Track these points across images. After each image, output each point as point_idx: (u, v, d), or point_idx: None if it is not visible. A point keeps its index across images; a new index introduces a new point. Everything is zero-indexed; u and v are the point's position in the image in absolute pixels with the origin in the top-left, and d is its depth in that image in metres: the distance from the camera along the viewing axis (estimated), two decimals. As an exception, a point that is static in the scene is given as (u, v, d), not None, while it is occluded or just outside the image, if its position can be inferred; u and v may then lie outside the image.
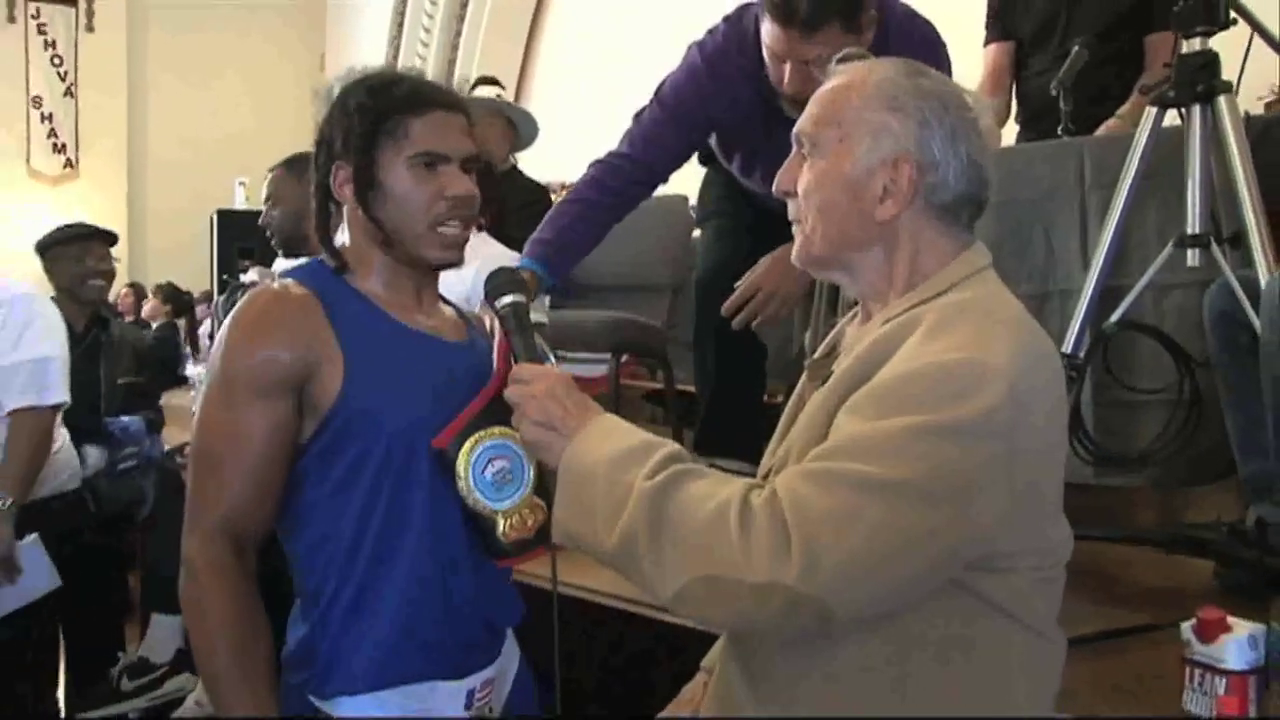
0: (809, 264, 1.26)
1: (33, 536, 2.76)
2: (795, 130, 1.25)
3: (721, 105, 2.32)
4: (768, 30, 2.12)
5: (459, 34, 7.27)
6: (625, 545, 1.09)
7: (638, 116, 2.41)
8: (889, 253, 1.20)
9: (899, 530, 1.01)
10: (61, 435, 2.98)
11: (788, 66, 2.11)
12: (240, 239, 5.75)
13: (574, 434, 1.19)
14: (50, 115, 8.03)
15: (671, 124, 2.34)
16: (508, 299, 1.40)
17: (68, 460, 3.02)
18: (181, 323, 6.46)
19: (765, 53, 2.16)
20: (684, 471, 1.11)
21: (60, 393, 2.85)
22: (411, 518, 1.40)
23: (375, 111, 1.42)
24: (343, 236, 1.50)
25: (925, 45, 2.23)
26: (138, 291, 7.47)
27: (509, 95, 5.40)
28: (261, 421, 1.36)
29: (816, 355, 1.32)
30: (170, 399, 4.37)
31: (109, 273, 3.45)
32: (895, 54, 2.19)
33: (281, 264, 2.67)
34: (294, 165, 2.66)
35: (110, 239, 3.48)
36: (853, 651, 1.10)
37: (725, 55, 2.30)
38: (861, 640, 1.09)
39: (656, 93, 2.39)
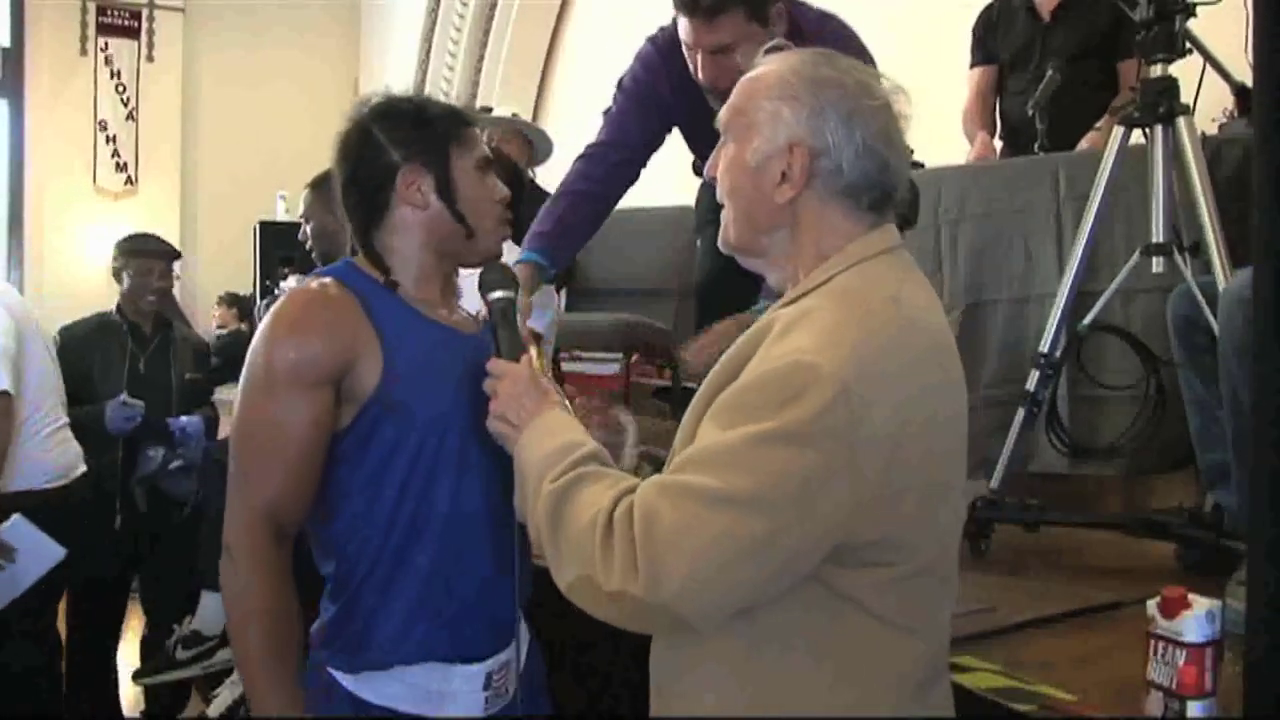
0: (731, 249, 1.24)
1: (15, 517, 2.75)
2: (717, 119, 1.24)
3: (672, 88, 2.26)
4: (679, 23, 2.07)
5: (481, 58, 7.29)
6: (538, 538, 1.14)
7: (606, 111, 2.38)
8: (794, 235, 1.17)
9: (738, 540, 0.99)
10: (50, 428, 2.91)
11: (699, 57, 2.05)
12: (281, 248, 5.74)
13: (522, 431, 1.24)
14: (114, 137, 8.08)
15: (635, 109, 2.30)
16: (498, 294, 1.40)
17: (56, 456, 2.94)
18: (245, 326, 6.50)
19: (684, 47, 2.10)
20: (581, 476, 1.12)
21: (3, 381, 2.73)
22: (438, 503, 1.39)
23: (447, 121, 1.45)
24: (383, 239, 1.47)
25: (838, 39, 2.13)
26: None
27: (526, 117, 5.42)
28: (303, 414, 1.34)
29: None
30: (222, 393, 4.39)
31: (166, 289, 3.46)
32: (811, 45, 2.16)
33: None
34: (320, 186, 2.65)
35: (175, 256, 3.52)
36: (716, 641, 1.08)
37: (674, 44, 2.22)
38: (723, 631, 1.07)
39: (619, 85, 2.36)
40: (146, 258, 3.37)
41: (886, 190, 1.16)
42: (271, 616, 1.34)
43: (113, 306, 3.41)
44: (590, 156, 2.33)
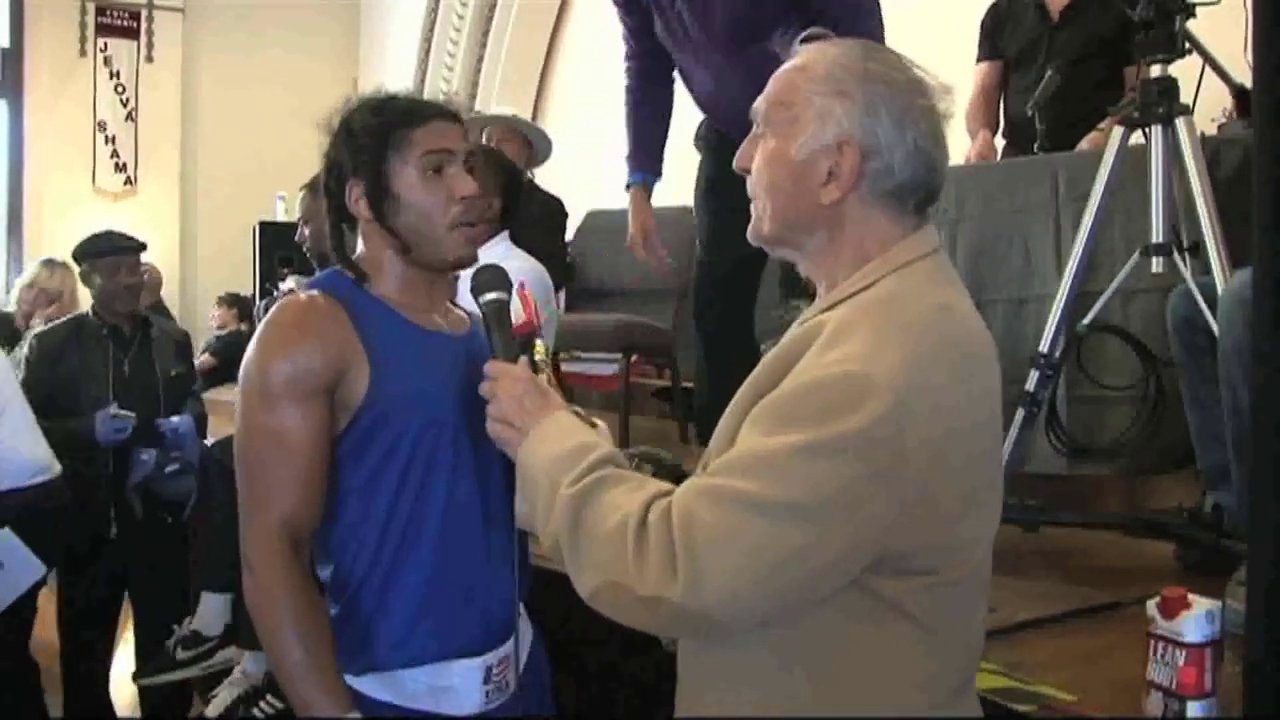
0: (761, 242, 1.20)
1: (3, 530, 2.70)
2: (752, 108, 1.19)
3: None
4: None
5: (481, 59, 7.29)
6: (554, 544, 1.10)
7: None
8: (833, 235, 1.13)
9: (779, 549, 0.98)
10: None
11: None
12: (280, 248, 5.73)
13: (527, 433, 1.20)
14: (113, 138, 8.09)
15: (626, 10, 2.61)
16: (490, 295, 1.38)
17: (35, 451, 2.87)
18: (244, 327, 6.50)
19: None
20: (602, 479, 1.09)
21: None
22: (433, 504, 1.39)
23: (380, 128, 1.42)
24: (359, 248, 1.49)
25: None
26: None
27: (526, 116, 5.42)
28: (303, 424, 1.35)
29: (771, 344, 1.27)
30: (221, 394, 4.40)
31: (138, 285, 3.34)
32: None
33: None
34: (316, 188, 2.63)
35: (140, 249, 3.35)
36: (751, 645, 1.07)
37: None
38: (759, 635, 1.06)
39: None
40: (113, 255, 3.24)
41: (931, 191, 1.14)
42: (302, 622, 1.33)
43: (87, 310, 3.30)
44: (627, 71, 2.66)
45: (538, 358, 1.42)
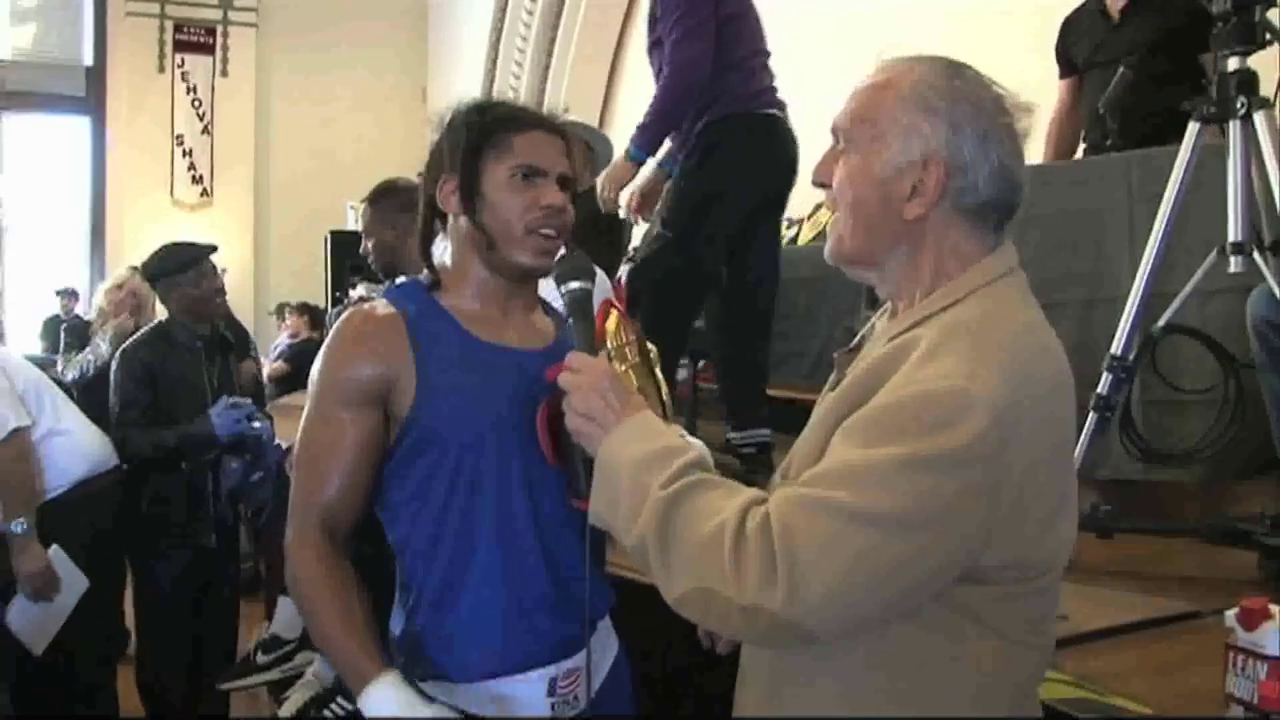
0: (841, 260, 1.19)
1: (54, 548, 2.79)
2: (833, 124, 1.20)
3: None
4: None
5: (548, 67, 7.36)
6: (640, 546, 1.10)
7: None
8: (914, 252, 1.14)
9: (879, 560, 0.99)
10: (61, 429, 2.94)
11: None
12: (351, 256, 5.82)
13: (610, 429, 1.18)
14: (190, 151, 8.34)
15: None
16: (573, 285, 1.37)
17: (76, 450, 2.96)
18: (317, 335, 6.62)
19: None
20: (696, 483, 1.09)
21: (10, 420, 2.78)
22: (482, 521, 1.40)
23: (481, 127, 1.45)
24: (444, 253, 1.50)
25: None
26: None
27: (594, 122, 5.45)
28: (351, 430, 1.39)
29: (846, 349, 1.28)
30: (293, 400, 4.49)
31: (222, 287, 3.36)
32: None
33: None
34: (377, 200, 2.62)
35: (211, 251, 3.35)
36: (839, 656, 1.08)
37: None
38: (847, 646, 1.07)
39: None
40: (195, 265, 3.24)
41: (1012, 208, 1.15)
42: (331, 590, 1.36)
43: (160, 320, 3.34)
44: None
45: (652, 354, 1.42)
